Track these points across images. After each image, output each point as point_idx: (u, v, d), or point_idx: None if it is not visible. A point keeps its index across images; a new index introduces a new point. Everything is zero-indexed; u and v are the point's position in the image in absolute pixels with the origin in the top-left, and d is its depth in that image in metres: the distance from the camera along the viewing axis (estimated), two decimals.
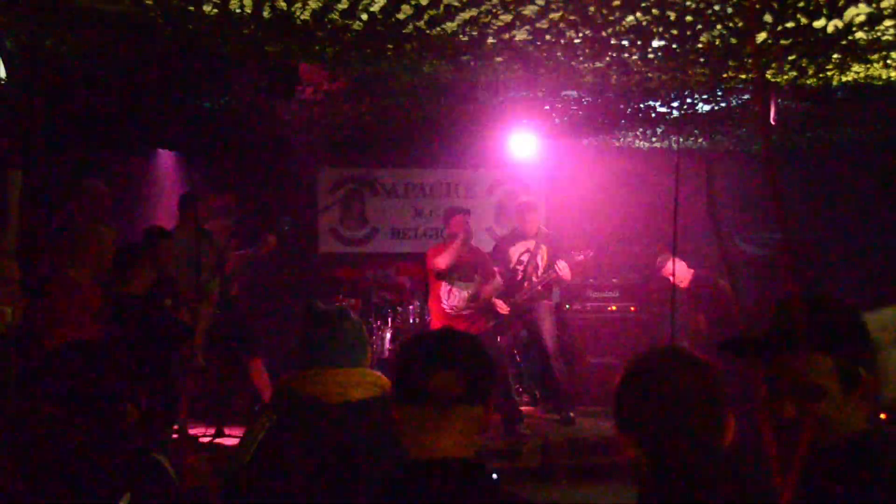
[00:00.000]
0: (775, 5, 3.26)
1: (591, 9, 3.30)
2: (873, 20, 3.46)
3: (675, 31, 3.65)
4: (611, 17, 3.43)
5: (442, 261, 6.23)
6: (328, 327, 2.27)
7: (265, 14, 3.48)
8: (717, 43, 3.82)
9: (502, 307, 6.42)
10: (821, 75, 4.52)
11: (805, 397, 1.52)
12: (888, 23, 3.51)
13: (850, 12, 3.36)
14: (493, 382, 1.66)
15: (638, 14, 3.39)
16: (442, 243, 6.49)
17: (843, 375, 1.55)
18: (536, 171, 8.44)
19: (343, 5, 3.34)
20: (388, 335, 7.00)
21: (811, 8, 3.29)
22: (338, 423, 2.14)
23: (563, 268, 6.29)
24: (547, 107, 5.78)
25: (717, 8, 3.31)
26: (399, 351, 1.69)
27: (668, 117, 6.08)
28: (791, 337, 1.54)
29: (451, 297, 6.39)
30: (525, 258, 6.59)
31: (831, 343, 1.56)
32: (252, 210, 7.73)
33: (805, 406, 1.51)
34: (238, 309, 6.42)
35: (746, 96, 5.23)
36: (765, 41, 3.74)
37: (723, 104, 5.56)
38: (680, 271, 6.13)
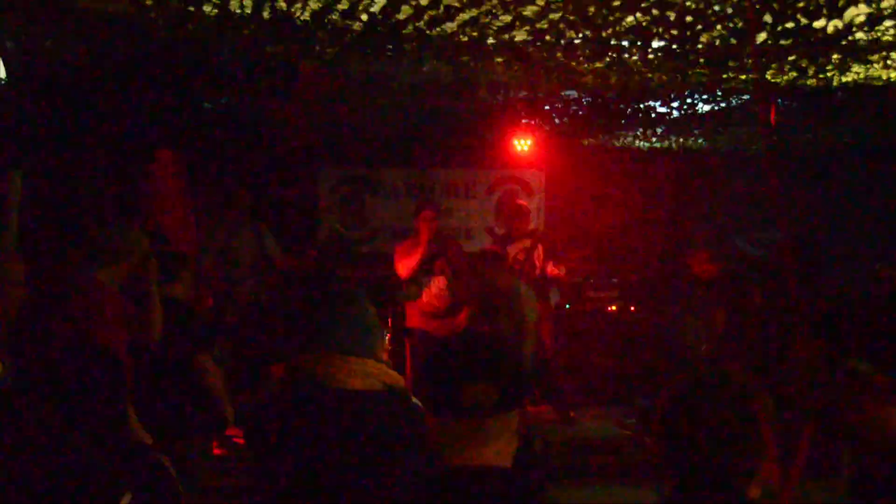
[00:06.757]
0: (775, 5, 3.26)
1: (591, 9, 3.31)
2: (873, 21, 3.46)
3: (675, 32, 3.65)
4: (611, 18, 3.43)
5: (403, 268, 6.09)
6: (334, 309, 2.26)
7: (265, 14, 3.48)
8: (717, 43, 3.82)
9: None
10: (821, 76, 4.52)
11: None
12: (888, 23, 3.51)
13: (850, 13, 3.36)
14: (525, 386, 1.61)
15: (638, 14, 3.39)
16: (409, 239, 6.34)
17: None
18: (536, 171, 8.43)
19: (343, 6, 3.35)
20: (387, 336, 6.98)
21: (811, 8, 3.29)
22: (334, 408, 2.13)
23: (555, 266, 6.30)
24: (547, 107, 5.78)
25: (717, 8, 3.31)
26: (427, 362, 1.63)
27: (668, 117, 6.08)
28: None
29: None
30: (521, 257, 6.63)
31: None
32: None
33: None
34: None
35: (746, 96, 5.23)
36: (765, 41, 3.74)
37: (723, 104, 5.56)
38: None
